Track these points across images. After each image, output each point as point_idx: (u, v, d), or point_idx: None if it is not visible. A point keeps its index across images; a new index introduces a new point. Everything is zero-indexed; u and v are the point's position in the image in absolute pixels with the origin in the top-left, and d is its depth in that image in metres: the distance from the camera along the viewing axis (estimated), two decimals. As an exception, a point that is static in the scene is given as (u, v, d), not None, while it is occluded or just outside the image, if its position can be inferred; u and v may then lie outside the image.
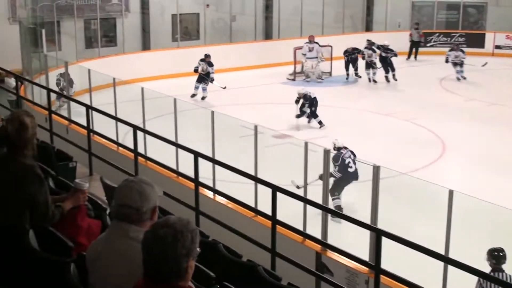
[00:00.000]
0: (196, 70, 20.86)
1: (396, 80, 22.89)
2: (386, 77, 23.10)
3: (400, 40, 29.43)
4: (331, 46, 24.86)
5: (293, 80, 24.12)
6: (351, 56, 23.87)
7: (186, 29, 27.11)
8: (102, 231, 4.45)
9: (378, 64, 23.17)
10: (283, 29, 28.16)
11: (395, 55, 23.21)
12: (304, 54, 23.89)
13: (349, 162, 11.67)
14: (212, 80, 20.65)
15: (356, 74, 23.88)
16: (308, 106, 17.70)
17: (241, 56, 25.47)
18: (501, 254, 8.07)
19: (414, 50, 28.74)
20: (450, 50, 24.32)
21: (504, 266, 7.96)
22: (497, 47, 29.61)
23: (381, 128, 17.89)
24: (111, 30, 25.19)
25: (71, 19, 22.98)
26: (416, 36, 28.69)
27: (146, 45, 25.47)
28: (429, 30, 30.64)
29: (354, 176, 11.72)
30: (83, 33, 24.18)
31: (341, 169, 11.63)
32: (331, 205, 8.64)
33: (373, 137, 16.78)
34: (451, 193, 6.80)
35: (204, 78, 20.65)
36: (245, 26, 27.60)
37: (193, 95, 20.56)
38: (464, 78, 23.54)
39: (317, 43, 23.88)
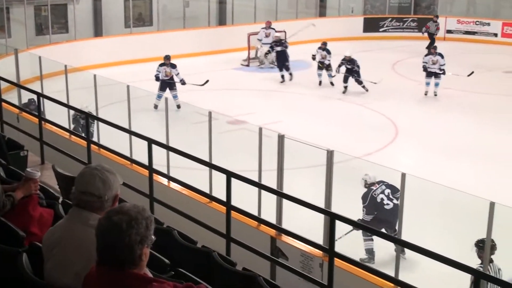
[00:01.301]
0: (157, 78, 17.96)
1: (367, 90, 19.84)
2: (364, 86, 19.98)
3: (353, 25, 29.68)
4: (285, 32, 24.89)
5: (247, 66, 24.14)
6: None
7: (139, 15, 26.85)
8: (54, 220, 4.41)
9: (339, 69, 20.36)
10: (237, 15, 28.10)
11: (358, 67, 19.99)
12: (260, 40, 23.88)
13: (383, 199, 9.74)
14: (184, 83, 17.82)
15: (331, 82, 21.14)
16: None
17: (194, 42, 25.36)
18: (492, 244, 7.67)
19: (430, 42, 26.81)
20: (426, 55, 20.33)
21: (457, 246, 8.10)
22: (449, 31, 30.01)
23: (334, 113, 18.02)
24: (62, 16, 24.76)
25: (21, 5, 22.52)
26: (433, 29, 27.87)
27: (98, 32, 25.15)
28: (381, 15, 30.93)
29: (391, 215, 9.50)
30: (33, 20, 23.73)
31: (370, 210, 9.71)
32: (286, 190, 8.66)
33: (327, 122, 16.91)
34: (403, 176, 6.89)
35: (169, 83, 17.81)
36: (198, 11, 27.46)
37: (156, 106, 17.37)
38: (435, 95, 19.80)
39: (273, 29, 23.89)
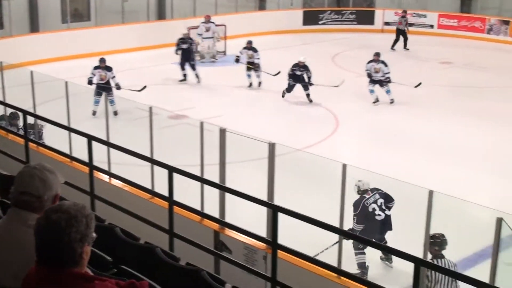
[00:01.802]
0: (90, 82, 16.52)
1: (311, 101, 18.28)
2: (308, 95, 18.36)
3: (292, 18, 29.84)
4: (225, 26, 24.88)
5: (188, 60, 24.03)
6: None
7: (76, 11, 26.44)
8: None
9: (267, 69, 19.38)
10: (176, 9, 27.96)
11: (309, 76, 18.31)
12: (200, 34, 23.80)
13: (374, 209, 9.32)
14: (119, 87, 16.63)
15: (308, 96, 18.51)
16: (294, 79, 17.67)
17: (134, 37, 25.14)
18: (444, 239, 7.93)
19: (403, 39, 26.58)
20: (369, 62, 19.10)
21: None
22: (386, 23, 30.47)
23: (275, 106, 18.11)
24: (-4, 12, 24.27)
25: (-47, 0, 22.01)
26: (403, 25, 26.94)
27: (34, 27, 24.65)
28: (320, 8, 31.17)
29: (383, 226, 9.29)
30: (-34, 16, 23.22)
31: (361, 219, 9.24)
32: (229, 184, 8.67)
33: (268, 115, 16.99)
34: (344, 166, 6.96)
35: (105, 87, 16.34)
36: (137, 6, 27.21)
37: (94, 113, 16.25)
38: (391, 102, 18.49)
39: (213, 22, 23.84)
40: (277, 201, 7.05)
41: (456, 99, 19.04)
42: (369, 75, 18.71)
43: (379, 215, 9.26)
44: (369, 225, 9.20)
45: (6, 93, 11.93)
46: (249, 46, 20.10)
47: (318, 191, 11.21)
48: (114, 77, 16.82)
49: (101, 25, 25.60)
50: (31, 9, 24.62)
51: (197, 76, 20.53)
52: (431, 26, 29.71)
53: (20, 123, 11.70)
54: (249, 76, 20.10)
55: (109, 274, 4.00)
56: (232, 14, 28.47)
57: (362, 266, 9.12)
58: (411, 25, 27.21)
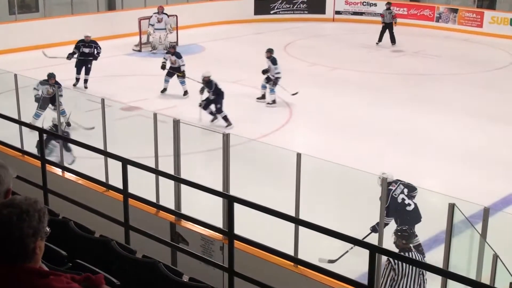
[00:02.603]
0: (38, 99, 14.55)
1: (228, 125, 14.78)
2: (214, 115, 15.32)
3: (244, 8, 29.80)
4: (176, 16, 24.73)
5: (139, 51, 23.84)
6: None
7: (24, 2, 25.94)
8: None
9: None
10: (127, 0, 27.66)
11: (219, 94, 15.46)
12: (152, 25, 23.60)
13: (404, 200, 9.08)
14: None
15: (213, 114, 15.41)
16: (213, 99, 15.02)
17: (84, 28, 24.71)
18: (411, 232, 7.87)
19: (389, 33, 25.28)
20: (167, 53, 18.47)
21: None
22: (337, 12, 30.66)
23: (228, 95, 18.05)
24: None
25: None
26: (388, 18, 25.37)
27: (-20, 19, 24.15)
28: (272, -3, 31.21)
29: (414, 216, 9.05)
30: None
31: (391, 212, 8.96)
32: (184, 175, 8.63)
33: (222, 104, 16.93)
34: (299, 155, 6.99)
35: (52, 100, 13.93)
36: (87, -3, 26.84)
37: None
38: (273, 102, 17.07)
39: (166, 14, 23.65)
40: (233, 192, 7.05)
41: (407, 86, 19.28)
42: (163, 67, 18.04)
43: (409, 204, 9.02)
44: (400, 217, 8.97)
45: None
46: (173, 51, 18.08)
47: (274, 181, 11.24)
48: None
49: (50, 17, 25.18)
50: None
51: (85, 81, 18.35)
52: (381, 15, 29.98)
53: None
54: (166, 81, 18.15)
55: (64, 268, 3.95)
56: (183, 4, 28.29)
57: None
58: (393, 17, 25.60)
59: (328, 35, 27.53)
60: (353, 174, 8.79)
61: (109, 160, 8.54)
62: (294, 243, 7.25)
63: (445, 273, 5.65)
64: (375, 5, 29.88)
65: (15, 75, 10.79)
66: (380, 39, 25.38)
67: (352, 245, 7.84)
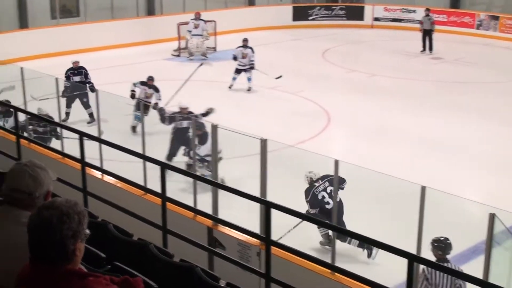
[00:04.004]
0: (133, 96, 14.71)
1: None
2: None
3: (282, 14, 29.83)
4: (215, 22, 24.84)
5: (178, 56, 24.01)
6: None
7: (65, 7, 26.32)
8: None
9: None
10: (166, 5, 27.90)
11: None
12: (190, 31, 23.74)
13: (324, 197, 9.56)
14: (155, 107, 14.07)
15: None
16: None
17: (124, 33, 25.05)
18: (448, 243, 7.79)
19: (428, 40, 25.09)
20: (238, 47, 19.64)
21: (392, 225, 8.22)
22: (376, 19, 30.51)
23: (267, 102, 18.08)
24: (-15, 8, 24.11)
25: None
26: (427, 24, 25.13)
27: (23, 24, 24.53)
28: (310, 3, 31.18)
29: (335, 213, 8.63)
30: (-46, 12, 23.05)
31: (314, 205, 9.57)
32: (221, 180, 8.67)
33: (260, 111, 16.96)
34: (336, 162, 6.95)
35: (146, 105, 13.84)
36: (127, 2, 27.12)
37: (134, 128, 14.06)
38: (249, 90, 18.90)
39: (203, 20, 23.76)
40: (270, 197, 7.03)
41: (446, 94, 19.08)
42: (235, 59, 19.22)
43: (328, 203, 9.42)
44: (321, 211, 9.45)
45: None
46: (150, 84, 15.49)
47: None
48: (159, 100, 15.07)
49: (90, 21, 25.51)
50: (20, 5, 24.49)
51: (91, 115, 14.95)
52: (420, 21, 29.75)
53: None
54: (234, 79, 19.19)
55: (103, 270, 3.97)
56: (222, 9, 28.44)
57: (326, 237, 9.41)
58: (432, 23, 25.29)
59: (366, 42, 27.40)
60: (391, 181, 8.71)
61: (148, 163, 8.58)
62: (332, 250, 7.21)
63: (486, 285, 5.55)
64: (414, 11, 29.65)
65: (56, 79, 10.93)
66: (424, 47, 25.09)
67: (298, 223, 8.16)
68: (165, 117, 12.66)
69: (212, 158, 8.21)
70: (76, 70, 15.92)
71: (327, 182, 9.55)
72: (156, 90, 15.16)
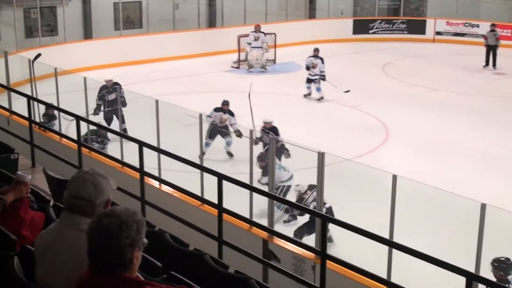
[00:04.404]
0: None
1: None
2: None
3: (342, 27, 29.73)
4: (275, 34, 24.92)
5: (237, 68, 24.15)
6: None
7: (128, 18, 26.80)
8: (45, 224, 4.38)
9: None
10: (227, 17, 28.12)
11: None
12: (250, 43, 23.85)
13: (315, 207, 9.08)
14: (239, 135, 13.62)
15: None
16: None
17: (185, 44, 25.33)
18: (510, 263, 7.66)
19: (492, 56, 24.50)
20: (309, 57, 19.86)
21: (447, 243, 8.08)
22: (438, 33, 30.12)
23: (325, 114, 18.03)
24: (51, 19, 24.70)
25: (10, 7, 22.45)
26: (492, 39, 24.54)
27: (87, 34, 25.08)
28: (371, 17, 30.99)
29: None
30: (22, 22, 23.64)
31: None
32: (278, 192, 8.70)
33: (318, 124, 16.92)
34: (394, 178, 6.89)
35: (222, 131, 14.36)
36: (188, 14, 27.44)
37: (202, 154, 11.56)
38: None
39: (263, 32, 23.85)
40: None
41: (507, 110, 18.69)
42: (307, 68, 19.56)
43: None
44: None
45: (60, 99, 12.12)
46: (226, 108, 14.80)
47: (368, 202, 11.11)
48: (235, 123, 14.39)
49: (152, 33, 25.90)
50: (84, 17, 25.07)
51: (125, 130, 13.31)
52: (484, 36, 29.24)
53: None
54: (308, 88, 19.77)
55: (159, 279, 4.01)
56: (282, 22, 28.51)
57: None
58: (497, 39, 24.71)
59: (428, 56, 27.07)
60: (450, 198, 8.59)
61: (205, 174, 8.65)
62: (387, 266, 7.13)
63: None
64: (478, 26, 29.19)
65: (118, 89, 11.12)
66: (487, 62, 24.63)
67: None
68: (256, 140, 11.97)
69: (269, 169, 8.22)
70: (111, 88, 15.45)
71: (315, 192, 9.03)
72: (231, 114, 14.59)
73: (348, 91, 19.16)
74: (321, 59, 19.68)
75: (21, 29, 23.42)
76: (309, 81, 19.69)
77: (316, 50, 20.01)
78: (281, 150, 12.21)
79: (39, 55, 13.37)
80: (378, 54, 26.97)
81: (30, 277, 3.45)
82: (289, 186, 10.93)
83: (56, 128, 12.27)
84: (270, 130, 13.14)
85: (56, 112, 12.67)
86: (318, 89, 19.45)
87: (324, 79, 19.51)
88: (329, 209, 9.46)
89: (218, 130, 14.29)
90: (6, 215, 4.43)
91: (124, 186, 8.05)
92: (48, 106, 11.84)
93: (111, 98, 15.20)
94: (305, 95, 19.84)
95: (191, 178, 9.10)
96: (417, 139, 15.65)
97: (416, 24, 30.51)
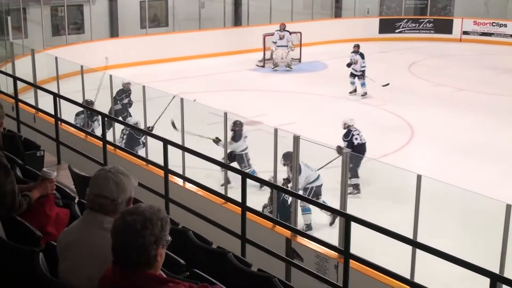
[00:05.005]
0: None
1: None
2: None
3: (368, 26, 29.60)
4: (300, 33, 24.88)
5: (263, 66, 24.15)
6: None
7: (155, 16, 26.92)
8: (70, 220, 4.42)
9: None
10: (253, 16, 28.11)
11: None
12: (275, 42, 23.84)
13: (356, 139, 12.70)
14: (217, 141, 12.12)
15: None
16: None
17: (210, 43, 25.39)
18: None
19: None
20: (351, 53, 20.45)
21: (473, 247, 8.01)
22: (465, 33, 29.88)
23: (350, 114, 17.95)
24: (78, 17, 24.88)
25: (38, 6, 22.64)
26: None
27: (114, 32, 25.23)
28: (397, 16, 30.82)
29: (357, 149, 12.36)
30: (49, 20, 23.83)
31: (349, 145, 12.40)
32: (301, 191, 8.68)
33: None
34: (419, 177, 6.85)
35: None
36: (214, 12, 27.48)
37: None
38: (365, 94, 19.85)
39: (288, 31, 23.83)
40: (350, 210, 7.00)
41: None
42: (349, 65, 20.09)
43: (359, 141, 12.76)
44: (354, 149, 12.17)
45: (86, 96, 12.22)
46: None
47: (393, 202, 11.06)
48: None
49: (179, 31, 25.98)
50: (111, 15, 25.21)
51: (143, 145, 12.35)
52: (512, 36, 29.01)
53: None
54: (352, 83, 20.14)
55: (182, 277, 4.03)
56: (307, 21, 28.45)
57: (356, 187, 11.83)
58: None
59: (454, 56, 26.86)
60: (475, 198, 8.52)
61: (229, 173, 8.67)
62: (411, 266, 7.10)
63: None
64: (505, 25, 28.92)
65: (143, 87, 11.18)
66: None
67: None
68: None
69: (293, 170, 8.22)
70: (128, 92, 15.24)
71: (359, 131, 12.92)
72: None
73: (387, 84, 19.54)
74: (361, 54, 20.07)
75: (48, 27, 23.61)
76: (353, 75, 20.07)
77: (356, 46, 20.34)
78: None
79: None
80: (404, 53, 26.82)
81: (55, 274, 3.48)
82: (318, 187, 10.91)
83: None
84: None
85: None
86: (363, 84, 19.90)
87: (349, 66, 20.06)
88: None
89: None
90: (32, 212, 4.47)
91: (148, 184, 8.10)
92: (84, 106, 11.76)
93: (124, 102, 15.11)
94: (350, 92, 20.08)
95: (215, 176, 9.12)
96: (442, 139, 15.54)
97: (443, 23, 30.28)
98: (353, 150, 12.19)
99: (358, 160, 12.27)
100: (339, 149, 11.43)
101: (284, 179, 10.37)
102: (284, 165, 10.57)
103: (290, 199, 9.63)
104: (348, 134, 12.83)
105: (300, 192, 9.74)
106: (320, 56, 25.29)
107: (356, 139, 12.77)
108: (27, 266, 3.59)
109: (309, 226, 10.45)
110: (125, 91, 15.23)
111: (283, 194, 9.68)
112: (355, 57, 20.05)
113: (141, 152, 11.39)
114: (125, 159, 10.00)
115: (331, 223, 10.37)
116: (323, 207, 7.55)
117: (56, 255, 3.46)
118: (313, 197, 10.21)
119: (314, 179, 10.99)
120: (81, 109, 12.26)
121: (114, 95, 12.75)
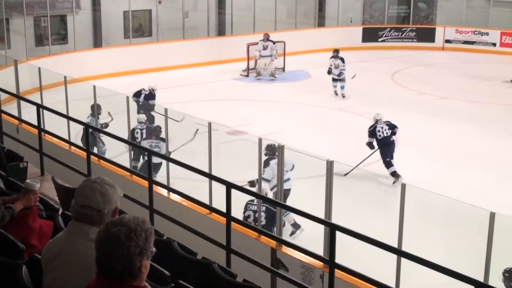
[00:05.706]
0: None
1: None
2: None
3: (351, 35, 29.74)
4: (284, 42, 24.94)
5: (247, 76, 24.16)
6: None
7: (139, 26, 26.91)
8: (54, 232, 4.39)
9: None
10: (236, 25, 28.15)
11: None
12: (259, 52, 23.88)
13: (379, 131, 13.66)
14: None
15: None
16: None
17: (194, 52, 25.38)
18: None
19: None
20: (330, 58, 21.04)
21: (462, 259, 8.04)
22: (447, 41, 30.09)
23: (334, 123, 18.02)
24: (62, 27, 24.81)
25: (21, 16, 22.56)
26: None
27: (97, 43, 25.18)
28: (380, 25, 30.99)
29: (381, 142, 13.53)
30: (33, 31, 23.75)
31: (372, 136, 13.78)
32: (287, 201, 8.66)
33: (327, 132, 16.91)
34: (403, 186, 6.87)
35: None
36: (197, 22, 27.50)
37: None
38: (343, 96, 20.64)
39: (271, 41, 23.87)
40: (335, 220, 7.00)
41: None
42: (329, 72, 20.77)
43: (379, 135, 13.63)
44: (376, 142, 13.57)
45: (70, 107, 12.16)
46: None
47: (377, 211, 11.08)
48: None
49: (162, 41, 25.97)
50: (94, 25, 25.17)
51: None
52: (494, 44, 29.16)
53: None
54: (335, 86, 20.78)
55: (167, 288, 4.02)
56: (291, 30, 28.54)
57: (394, 174, 12.93)
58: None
59: (437, 64, 27.02)
60: (460, 207, 8.56)
61: (213, 183, 8.64)
62: (396, 275, 7.10)
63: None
64: (487, 34, 29.16)
65: (127, 97, 11.15)
66: None
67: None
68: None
69: (278, 178, 8.21)
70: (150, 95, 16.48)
71: (385, 125, 13.78)
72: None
73: (354, 75, 20.48)
74: (342, 59, 20.64)
75: (31, 38, 23.52)
76: (334, 80, 20.74)
77: (336, 51, 20.87)
78: None
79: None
80: (387, 62, 26.94)
81: (38, 286, 3.46)
82: (286, 190, 10.68)
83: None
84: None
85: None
86: (342, 87, 20.55)
87: (329, 73, 20.77)
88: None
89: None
90: (15, 224, 4.44)
91: (132, 194, 8.07)
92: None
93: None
94: (336, 94, 20.87)
95: (200, 186, 9.10)
96: (426, 147, 15.61)
97: (426, 32, 30.49)
98: (379, 143, 13.55)
99: (388, 151, 13.44)
100: (369, 145, 13.85)
101: (248, 182, 10.27)
102: (266, 155, 10.51)
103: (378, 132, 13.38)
104: (372, 126, 13.87)
105: (270, 194, 9.72)
106: (304, 65, 25.34)
107: (379, 131, 13.64)
108: (10, 279, 3.56)
109: (295, 225, 10.36)
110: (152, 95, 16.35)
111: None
112: (335, 62, 20.58)
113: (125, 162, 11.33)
114: (110, 170, 9.96)
115: (291, 234, 10.32)
116: (309, 217, 7.51)
117: (40, 268, 3.44)
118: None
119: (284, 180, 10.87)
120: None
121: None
